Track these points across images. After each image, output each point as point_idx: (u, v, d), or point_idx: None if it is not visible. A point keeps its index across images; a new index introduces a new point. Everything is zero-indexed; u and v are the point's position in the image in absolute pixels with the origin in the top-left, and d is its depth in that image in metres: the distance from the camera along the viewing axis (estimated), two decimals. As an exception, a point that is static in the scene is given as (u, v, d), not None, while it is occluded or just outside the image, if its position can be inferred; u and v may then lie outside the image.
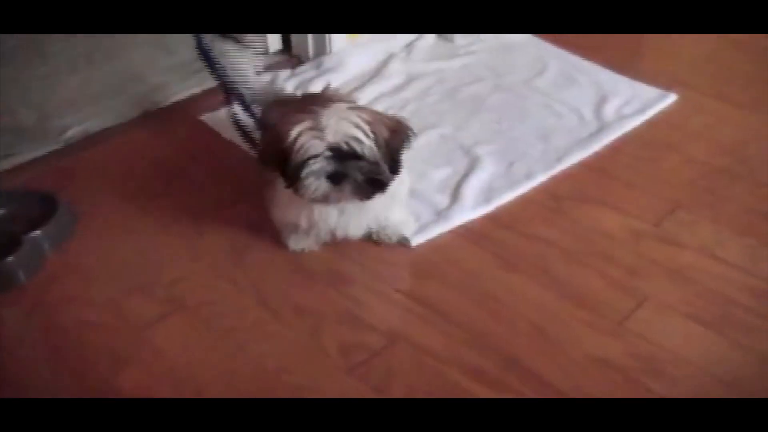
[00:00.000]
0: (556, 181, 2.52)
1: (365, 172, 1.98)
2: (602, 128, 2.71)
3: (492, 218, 2.38)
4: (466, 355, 1.96)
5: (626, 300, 2.10)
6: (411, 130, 2.07)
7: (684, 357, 1.95)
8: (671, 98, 2.86)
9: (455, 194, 2.44)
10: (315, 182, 1.97)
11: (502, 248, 2.27)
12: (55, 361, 2.01)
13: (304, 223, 2.17)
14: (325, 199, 2.03)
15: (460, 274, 2.18)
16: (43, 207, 2.36)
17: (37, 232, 2.27)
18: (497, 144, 2.65)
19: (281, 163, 2.01)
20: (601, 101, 2.84)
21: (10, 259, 2.19)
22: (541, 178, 2.51)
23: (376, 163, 1.98)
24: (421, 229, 2.32)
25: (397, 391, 1.88)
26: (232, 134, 2.58)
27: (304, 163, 1.95)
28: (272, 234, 2.27)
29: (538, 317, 2.06)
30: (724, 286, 2.14)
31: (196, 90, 2.97)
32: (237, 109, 2.49)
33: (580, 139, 2.67)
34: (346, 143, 1.94)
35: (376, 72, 3.04)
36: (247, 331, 2.05)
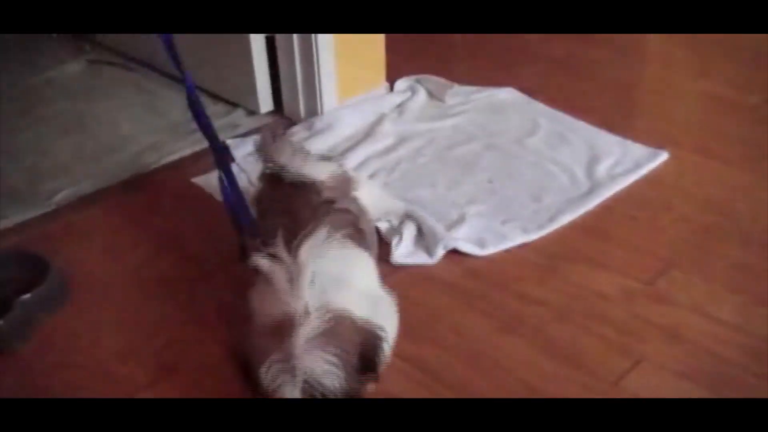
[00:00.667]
0: (548, 240, 2.51)
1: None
2: (594, 188, 2.72)
3: (484, 278, 2.37)
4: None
5: (620, 360, 2.09)
6: (380, 340, 1.89)
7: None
8: (663, 156, 2.87)
9: (448, 230, 2.49)
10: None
11: (495, 308, 2.26)
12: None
13: None
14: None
15: (452, 335, 2.17)
16: (34, 270, 2.34)
17: (28, 296, 2.26)
18: (489, 203, 2.66)
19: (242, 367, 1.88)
20: (593, 160, 2.85)
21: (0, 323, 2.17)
22: (533, 236, 2.51)
23: (347, 391, 1.79)
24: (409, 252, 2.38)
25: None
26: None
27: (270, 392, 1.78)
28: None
29: (532, 378, 2.04)
30: (718, 344, 2.13)
31: (187, 152, 2.97)
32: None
33: (572, 198, 2.68)
34: (316, 385, 1.75)
35: (368, 133, 3.06)
36: (240, 395, 2.02)
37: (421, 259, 2.41)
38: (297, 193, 2.15)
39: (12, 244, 2.57)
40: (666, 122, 3.16)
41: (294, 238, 1.92)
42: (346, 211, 2.11)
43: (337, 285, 1.87)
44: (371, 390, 1.91)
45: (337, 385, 1.76)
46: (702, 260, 2.42)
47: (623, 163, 2.85)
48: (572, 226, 2.58)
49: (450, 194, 2.71)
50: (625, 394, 1.99)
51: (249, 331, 1.87)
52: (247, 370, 1.84)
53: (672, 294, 2.30)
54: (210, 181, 2.75)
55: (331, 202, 2.11)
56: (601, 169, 2.81)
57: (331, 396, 1.75)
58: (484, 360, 2.11)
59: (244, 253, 2.19)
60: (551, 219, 2.58)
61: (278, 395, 1.76)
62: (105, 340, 2.22)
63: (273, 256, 1.90)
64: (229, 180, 2.29)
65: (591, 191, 2.71)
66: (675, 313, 2.23)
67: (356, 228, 2.07)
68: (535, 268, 2.41)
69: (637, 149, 2.92)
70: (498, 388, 2.02)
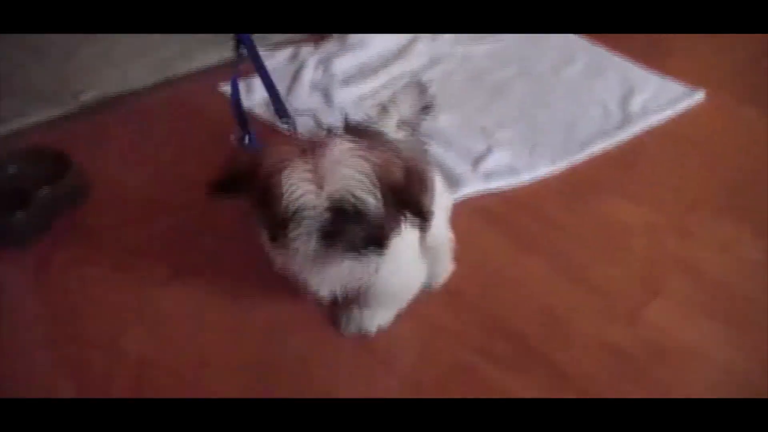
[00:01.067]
0: (576, 170, 2.48)
1: (364, 232, 1.60)
2: (627, 121, 2.68)
3: (510, 201, 2.35)
4: (477, 334, 1.94)
5: (641, 291, 2.07)
6: (426, 174, 1.71)
7: (696, 351, 1.92)
8: (699, 96, 2.82)
9: (475, 166, 2.44)
10: (304, 240, 1.58)
11: (519, 231, 2.25)
12: (57, 318, 1.99)
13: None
14: (310, 259, 1.65)
15: (476, 255, 2.14)
16: (55, 166, 2.33)
17: (48, 191, 2.25)
18: (519, 129, 2.63)
19: (259, 203, 1.63)
20: (628, 94, 2.81)
21: (19, 215, 2.17)
22: (562, 165, 2.48)
23: (379, 222, 1.60)
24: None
25: (405, 366, 1.87)
26: (250, 105, 2.55)
27: (293, 214, 1.56)
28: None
29: (551, 301, 2.03)
30: (740, 283, 2.11)
31: (215, 60, 2.94)
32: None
33: (603, 130, 2.64)
34: (347, 199, 1.55)
35: (400, 51, 3.01)
36: (255, 297, 2.03)
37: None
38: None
39: (36, 141, 2.55)
40: (704, 62, 3.09)
41: None
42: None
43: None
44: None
45: (372, 204, 1.57)
46: (729, 200, 2.39)
47: (658, 99, 2.79)
48: (601, 158, 2.54)
49: (479, 118, 2.67)
50: (643, 324, 1.97)
51: (269, 152, 1.62)
52: (258, 175, 1.60)
53: (697, 231, 2.27)
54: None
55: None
56: (635, 103, 2.77)
57: (359, 213, 1.56)
58: (506, 282, 2.10)
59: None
60: (581, 148, 2.54)
61: (297, 206, 1.55)
62: (123, 238, 2.22)
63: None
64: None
65: (623, 124, 2.66)
66: (699, 249, 2.21)
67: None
68: (562, 196, 2.38)
69: (673, 86, 2.86)
70: (518, 310, 2.01)
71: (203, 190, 1.59)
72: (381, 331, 1.93)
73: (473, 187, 2.38)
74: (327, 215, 1.55)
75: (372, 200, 1.56)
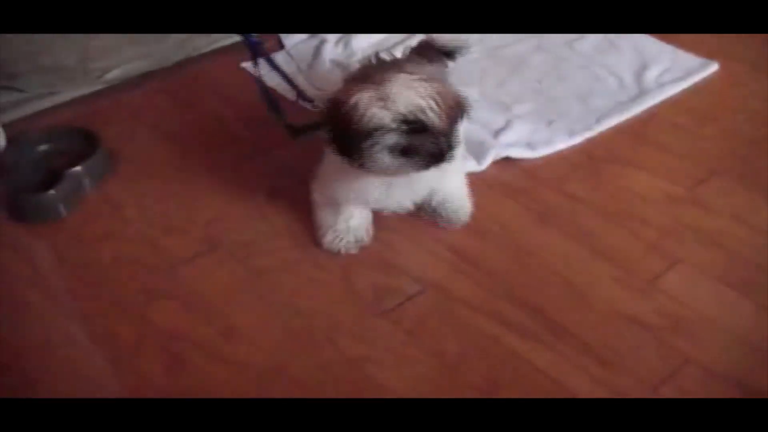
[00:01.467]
0: (593, 142, 2.52)
1: (433, 146, 1.86)
2: (642, 93, 2.71)
3: (528, 174, 2.39)
4: (496, 304, 1.98)
5: (658, 260, 2.11)
6: (469, 104, 1.97)
7: (712, 319, 1.95)
8: (713, 67, 2.85)
9: (496, 137, 2.49)
10: (381, 156, 1.85)
11: (537, 203, 2.29)
12: (89, 292, 2.05)
13: (351, 197, 2.08)
14: (387, 172, 1.91)
15: (495, 227, 2.19)
16: (84, 144, 2.40)
17: (78, 168, 2.31)
18: (536, 102, 2.67)
19: (339, 132, 1.90)
20: (642, 67, 2.84)
21: (51, 192, 2.23)
22: (579, 138, 2.51)
23: (443, 135, 1.87)
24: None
25: (428, 337, 1.91)
26: (272, 82, 2.59)
27: (368, 134, 1.83)
28: (308, 178, 2.28)
29: (569, 271, 2.07)
30: (756, 253, 2.14)
31: (237, 37, 2.96)
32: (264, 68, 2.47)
33: (619, 102, 2.67)
34: (415, 115, 1.82)
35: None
36: (280, 272, 2.08)
37: (470, 166, 2.38)
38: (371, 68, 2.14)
39: (64, 119, 2.61)
40: (717, 35, 3.10)
41: None
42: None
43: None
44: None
45: (437, 121, 1.84)
46: (745, 171, 2.42)
47: (672, 71, 2.82)
48: (618, 130, 2.57)
49: (497, 92, 2.71)
50: (660, 293, 2.01)
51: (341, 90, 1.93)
52: (337, 109, 1.88)
53: (713, 201, 2.30)
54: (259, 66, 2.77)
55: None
56: (650, 75, 2.80)
57: (430, 128, 1.84)
58: (523, 252, 2.14)
59: (293, 130, 2.25)
60: (598, 121, 2.58)
61: (371, 125, 1.82)
62: (150, 213, 2.27)
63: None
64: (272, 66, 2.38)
65: (638, 96, 2.70)
66: (715, 219, 2.24)
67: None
68: (579, 168, 2.42)
69: (687, 58, 2.89)
70: (538, 282, 2.05)
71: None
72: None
73: (496, 154, 2.42)
74: (399, 132, 1.83)
75: (433, 114, 1.83)
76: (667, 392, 1.77)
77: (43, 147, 2.42)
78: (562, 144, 2.49)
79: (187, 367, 1.84)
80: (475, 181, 2.29)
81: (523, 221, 2.23)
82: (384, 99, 1.81)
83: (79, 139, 2.42)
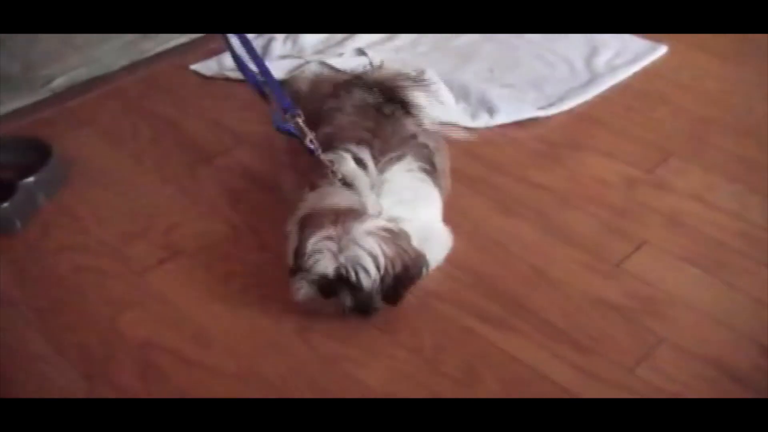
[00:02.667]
0: (548, 128, 2.54)
1: (356, 301, 1.88)
2: (594, 78, 2.73)
3: (487, 163, 2.39)
4: (470, 297, 1.98)
5: (622, 243, 2.12)
6: (426, 267, 1.94)
7: (681, 298, 1.97)
8: (661, 50, 2.88)
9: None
10: (305, 287, 1.87)
11: (500, 193, 2.29)
12: (53, 306, 2.00)
13: None
14: (308, 305, 1.92)
15: (462, 220, 2.17)
16: (35, 155, 2.34)
17: (31, 180, 2.26)
18: (493, 91, 2.67)
19: (294, 245, 1.92)
20: (592, 53, 2.86)
21: (5, 205, 2.18)
22: (535, 114, 2.56)
23: (370, 297, 1.87)
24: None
25: (403, 332, 1.90)
26: (223, 83, 2.56)
27: (308, 266, 1.85)
28: (269, 178, 2.26)
29: (538, 260, 2.08)
30: (717, 230, 2.16)
31: (183, 39, 2.94)
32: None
33: (572, 88, 2.69)
34: (355, 270, 1.82)
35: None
36: (248, 275, 2.05)
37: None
38: (387, 121, 2.15)
39: (10, 130, 2.55)
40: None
41: (379, 156, 2.00)
42: (426, 146, 2.12)
43: (406, 209, 1.95)
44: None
45: (369, 284, 1.84)
46: (699, 150, 2.45)
47: (622, 55, 2.85)
48: (572, 116, 2.59)
49: (451, 82, 2.69)
50: (627, 275, 2.03)
51: (310, 211, 1.94)
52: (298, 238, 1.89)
53: (671, 182, 2.33)
54: (209, 67, 2.74)
55: (414, 136, 2.12)
56: (600, 60, 2.82)
57: (358, 288, 1.84)
58: (489, 242, 2.14)
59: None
60: (551, 105, 2.60)
61: (312, 266, 1.83)
62: (108, 223, 2.23)
63: (359, 162, 1.98)
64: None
65: (590, 82, 2.72)
66: (675, 200, 2.27)
67: (431, 163, 2.09)
68: (536, 155, 2.43)
69: (636, 42, 2.91)
70: (508, 271, 2.05)
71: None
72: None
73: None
74: (332, 279, 1.83)
75: (371, 282, 1.83)
76: (643, 373, 1.78)
77: (-8, 160, 2.37)
78: (516, 117, 2.55)
79: (161, 374, 1.81)
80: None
81: (487, 212, 2.23)
82: (336, 242, 1.82)
83: (29, 150, 2.36)
